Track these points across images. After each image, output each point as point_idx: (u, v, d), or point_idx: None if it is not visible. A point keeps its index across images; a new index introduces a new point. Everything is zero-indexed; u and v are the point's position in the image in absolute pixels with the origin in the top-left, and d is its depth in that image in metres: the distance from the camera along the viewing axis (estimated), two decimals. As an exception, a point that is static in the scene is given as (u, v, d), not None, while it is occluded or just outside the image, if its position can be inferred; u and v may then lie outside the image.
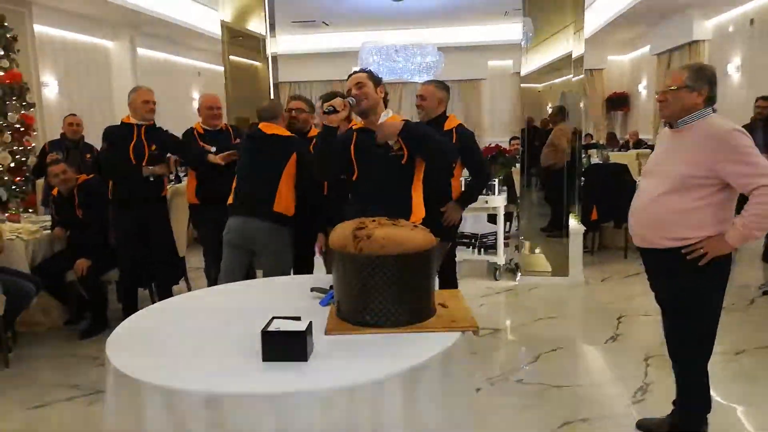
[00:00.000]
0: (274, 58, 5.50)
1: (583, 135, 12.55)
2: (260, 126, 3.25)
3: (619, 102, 13.32)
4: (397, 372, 1.50)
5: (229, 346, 1.69)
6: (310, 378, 1.47)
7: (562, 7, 4.88)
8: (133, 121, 3.78)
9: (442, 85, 3.36)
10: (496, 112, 14.07)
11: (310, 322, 1.64)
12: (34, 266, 3.91)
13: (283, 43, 12.00)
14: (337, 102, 2.45)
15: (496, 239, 5.09)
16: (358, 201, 2.57)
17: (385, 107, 2.59)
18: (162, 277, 4.13)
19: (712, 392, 2.31)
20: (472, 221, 7.30)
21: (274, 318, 1.67)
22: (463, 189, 3.42)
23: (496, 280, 4.97)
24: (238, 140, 3.87)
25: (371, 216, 1.94)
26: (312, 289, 2.18)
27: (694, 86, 2.14)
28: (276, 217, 3.12)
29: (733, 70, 8.36)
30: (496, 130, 13.81)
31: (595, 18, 10.79)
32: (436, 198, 2.94)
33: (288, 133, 3.27)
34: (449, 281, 3.22)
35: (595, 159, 7.37)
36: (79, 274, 3.85)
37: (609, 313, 4.03)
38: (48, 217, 4.46)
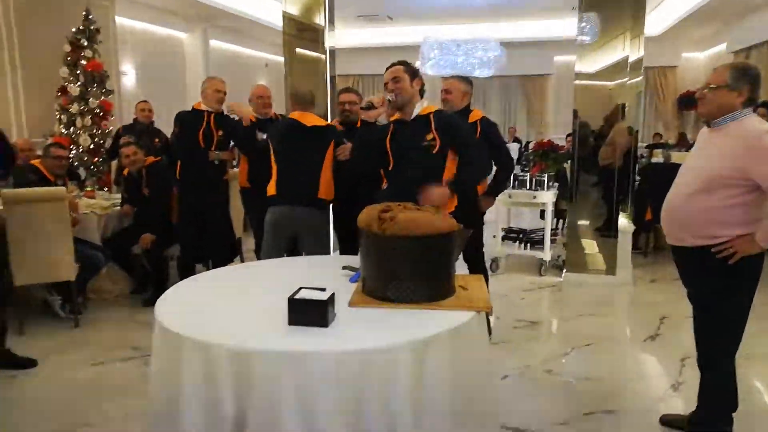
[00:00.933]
0: (332, 51, 5.67)
1: (651, 134, 12.17)
2: (297, 116, 3.31)
3: (691, 101, 12.74)
4: (406, 342, 1.62)
5: (261, 311, 1.86)
6: (326, 341, 1.62)
7: (621, 8, 4.81)
8: (203, 107, 4.06)
9: (466, 80, 3.46)
10: (561, 108, 13.79)
11: (333, 293, 1.78)
12: (104, 239, 4.27)
13: (347, 37, 12.29)
14: (375, 99, 2.57)
15: (543, 235, 5.09)
16: (393, 191, 2.66)
17: (421, 98, 2.67)
18: (218, 255, 4.40)
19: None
20: (530, 217, 7.30)
21: (301, 288, 1.83)
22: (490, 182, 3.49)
23: (541, 275, 4.97)
24: None
25: (403, 200, 2.06)
26: (344, 267, 2.33)
27: (735, 86, 2.13)
28: (320, 203, 3.28)
29: (815, 70, 7.87)
30: (559, 127, 13.54)
31: (668, 14, 10.38)
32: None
33: (324, 122, 3.43)
34: (477, 267, 3.27)
35: (658, 159, 7.17)
36: (143, 248, 4.18)
37: (653, 313, 3.97)
38: (119, 195, 4.83)
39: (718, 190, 2.10)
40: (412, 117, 2.67)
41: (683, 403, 2.67)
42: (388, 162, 2.71)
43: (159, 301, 1.95)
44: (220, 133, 4.06)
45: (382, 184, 3.46)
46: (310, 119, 3.31)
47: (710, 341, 2.27)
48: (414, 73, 2.66)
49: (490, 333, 2.43)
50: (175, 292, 2.10)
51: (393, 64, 2.69)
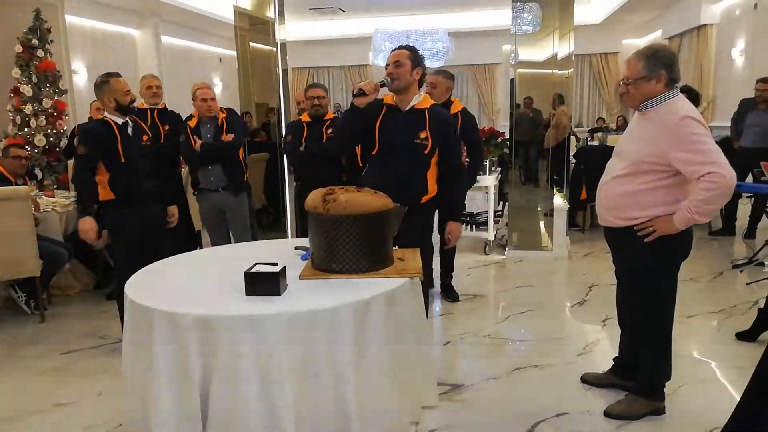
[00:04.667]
0: (283, 44, 5.83)
1: (595, 119, 12.72)
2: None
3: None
4: (348, 303, 1.90)
5: (222, 285, 2.11)
6: (278, 306, 1.89)
7: (551, 4, 5.19)
8: (145, 106, 4.26)
9: (449, 75, 3.84)
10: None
11: (284, 267, 2.05)
12: (66, 235, 4.40)
13: (300, 30, 12.42)
14: (366, 86, 2.57)
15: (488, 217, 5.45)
16: (377, 182, 2.56)
17: (419, 87, 2.67)
18: (179, 248, 4.58)
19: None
20: (482, 201, 7.65)
21: (256, 264, 2.09)
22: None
23: (486, 254, 5.34)
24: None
25: (388, 191, 2.25)
26: (296, 248, 2.59)
27: (650, 75, 2.19)
28: None
29: (737, 54, 8.48)
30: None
31: (608, 2, 10.93)
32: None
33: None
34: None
35: (595, 142, 7.67)
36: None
37: (583, 283, 4.38)
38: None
39: (641, 174, 2.23)
40: (407, 108, 2.66)
41: (597, 357, 3.06)
42: (374, 146, 2.68)
43: (128, 282, 2.18)
44: (167, 127, 4.23)
45: (343, 170, 3.69)
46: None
47: (640, 316, 2.42)
48: (417, 62, 2.60)
49: (427, 309, 2.56)
50: (143, 273, 2.34)
51: (400, 47, 2.63)
